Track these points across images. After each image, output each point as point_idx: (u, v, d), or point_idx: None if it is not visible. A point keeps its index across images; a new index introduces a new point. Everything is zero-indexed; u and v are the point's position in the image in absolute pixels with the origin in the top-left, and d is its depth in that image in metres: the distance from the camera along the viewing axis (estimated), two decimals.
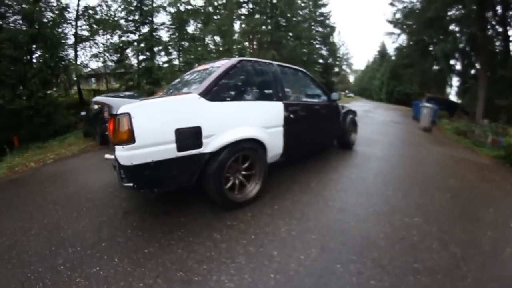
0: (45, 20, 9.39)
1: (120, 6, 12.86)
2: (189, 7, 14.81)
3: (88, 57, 13.02)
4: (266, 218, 2.29)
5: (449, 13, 12.81)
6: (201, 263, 1.75)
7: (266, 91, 2.80)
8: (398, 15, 15.92)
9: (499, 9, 11.13)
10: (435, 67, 15.75)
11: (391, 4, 15.73)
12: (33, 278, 1.66)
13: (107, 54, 13.28)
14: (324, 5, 26.49)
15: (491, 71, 11.44)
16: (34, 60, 9.51)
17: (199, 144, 2.06)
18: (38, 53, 9.52)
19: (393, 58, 25.50)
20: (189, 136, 2.01)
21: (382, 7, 48.58)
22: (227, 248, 1.87)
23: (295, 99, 3.26)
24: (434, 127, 8.90)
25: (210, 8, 16.07)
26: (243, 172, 2.51)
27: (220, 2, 16.90)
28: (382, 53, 37.75)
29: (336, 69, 30.75)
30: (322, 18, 26.70)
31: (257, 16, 19.48)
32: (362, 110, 13.36)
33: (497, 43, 12.07)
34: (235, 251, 1.84)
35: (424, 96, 12.54)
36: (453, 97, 18.23)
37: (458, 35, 13.26)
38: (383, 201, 2.68)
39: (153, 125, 1.88)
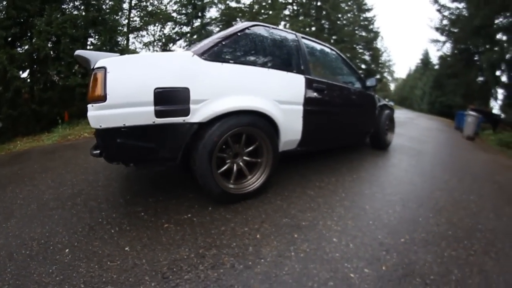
0: (104, 7, 10.16)
1: (171, 0, 13.65)
2: (238, 5, 15.64)
3: (142, 45, 13.76)
4: (349, 183, 2.79)
5: (496, 21, 12.48)
6: (304, 212, 2.05)
7: (284, 61, 2.43)
8: (445, 22, 15.57)
9: None
10: (480, 79, 15.22)
11: (439, 11, 15.47)
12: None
13: (159, 44, 13.97)
14: (368, 9, 25.57)
15: None
16: (89, 42, 9.83)
17: (185, 111, 1.72)
18: (96, 37, 9.95)
19: (436, 67, 24.08)
20: (172, 99, 1.68)
21: (426, 13, 46.39)
22: (324, 201, 2.30)
23: (322, 77, 2.80)
24: (477, 138, 9.02)
25: (256, 7, 16.64)
26: (245, 158, 2.14)
27: (267, 2, 17.42)
28: (425, 61, 35.38)
29: (378, 76, 29.69)
30: (366, 22, 25.74)
31: (301, 18, 19.65)
32: (406, 117, 14.00)
33: None
34: (332, 204, 2.27)
35: (467, 108, 12.31)
36: (497, 111, 17.31)
37: (505, 44, 12.75)
38: (443, 182, 3.19)
39: (130, 82, 1.62)
